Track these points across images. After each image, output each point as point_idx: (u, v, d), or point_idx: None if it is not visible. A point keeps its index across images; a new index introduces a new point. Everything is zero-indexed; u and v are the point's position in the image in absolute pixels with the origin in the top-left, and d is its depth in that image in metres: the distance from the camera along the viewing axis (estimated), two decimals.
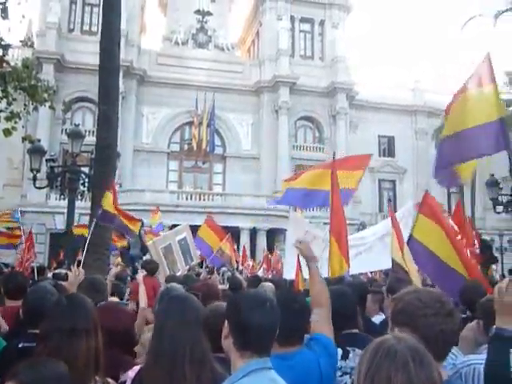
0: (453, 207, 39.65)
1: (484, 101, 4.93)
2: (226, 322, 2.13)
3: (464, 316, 4.29)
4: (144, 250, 13.20)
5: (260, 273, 13.58)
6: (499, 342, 2.16)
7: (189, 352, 2.24)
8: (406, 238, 5.51)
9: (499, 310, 2.20)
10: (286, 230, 14.88)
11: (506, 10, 17.46)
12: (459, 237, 8.19)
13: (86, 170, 12.64)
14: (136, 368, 2.54)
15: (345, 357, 3.32)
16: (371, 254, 8.11)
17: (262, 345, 2.09)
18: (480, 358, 2.75)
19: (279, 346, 2.77)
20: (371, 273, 10.07)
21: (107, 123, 9.07)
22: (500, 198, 17.78)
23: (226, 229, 27.80)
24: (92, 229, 7.44)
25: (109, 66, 9.25)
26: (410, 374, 1.32)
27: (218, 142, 35.47)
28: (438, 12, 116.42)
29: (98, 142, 9.25)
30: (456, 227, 8.72)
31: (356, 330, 3.47)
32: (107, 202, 6.86)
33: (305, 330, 2.92)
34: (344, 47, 38.09)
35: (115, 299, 4.38)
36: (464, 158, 4.88)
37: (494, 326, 2.24)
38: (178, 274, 9.73)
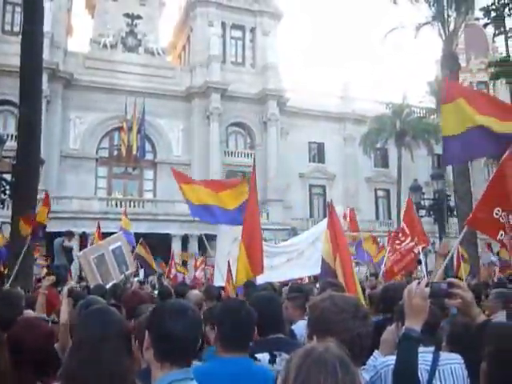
0: (380, 210, 41.27)
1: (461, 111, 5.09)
2: (147, 332, 2.06)
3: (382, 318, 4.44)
4: (70, 259, 12.74)
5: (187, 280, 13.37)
6: (407, 342, 2.22)
7: (108, 371, 2.07)
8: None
9: (408, 311, 2.27)
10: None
11: (426, 24, 18.33)
12: (409, 239, 8.47)
13: (8, 176, 12.03)
14: None
15: (272, 361, 3.32)
16: (302, 259, 8.19)
17: (183, 355, 2.04)
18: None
19: (224, 351, 2.80)
20: (300, 279, 10.14)
21: (29, 128, 8.66)
22: (423, 202, 18.52)
23: (157, 236, 27.70)
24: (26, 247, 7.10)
25: (30, 68, 8.84)
26: (338, 381, 1.34)
27: (148, 148, 34.89)
28: (366, 19, 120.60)
29: (20, 148, 8.82)
30: (406, 228, 8.98)
31: (282, 335, 3.48)
32: (43, 217, 6.45)
33: (251, 337, 2.93)
34: (275, 54, 38.62)
35: (31, 312, 4.13)
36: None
37: (404, 327, 2.30)
38: (109, 285, 9.42)
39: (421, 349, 2.78)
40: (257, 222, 6.46)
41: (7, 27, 32.58)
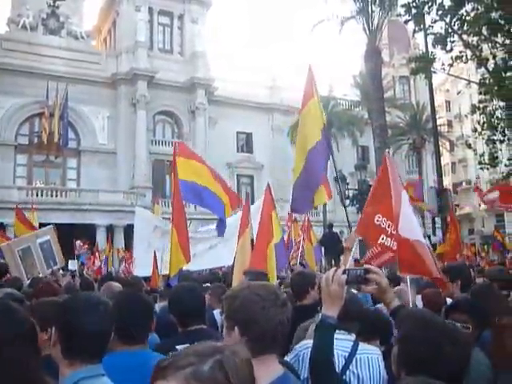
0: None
1: (311, 118, 5.25)
2: (54, 328, 1.95)
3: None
4: None
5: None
6: (324, 328, 2.24)
7: (12, 376, 1.84)
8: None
9: (325, 298, 2.28)
10: None
11: (351, 18, 18.76)
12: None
13: None
14: None
15: None
16: (227, 246, 8.16)
17: (93, 351, 1.95)
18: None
19: (122, 344, 2.71)
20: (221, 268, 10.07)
21: None
22: (347, 192, 19.09)
23: (82, 227, 26.85)
24: None
25: None
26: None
27: (71, 135, 33.58)
28: (296, 11, 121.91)
29: None
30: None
31: (204, 326, 3.45)
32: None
33: (149, 329, 2.84)
34: (203, 43, 38.24)
35: None
36: (314, 188, 5.09)
37: (320, 314, 2.32)
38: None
39: (341, 336, 2.86)
40: (182, 209, 6.41)
41: None
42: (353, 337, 2.92)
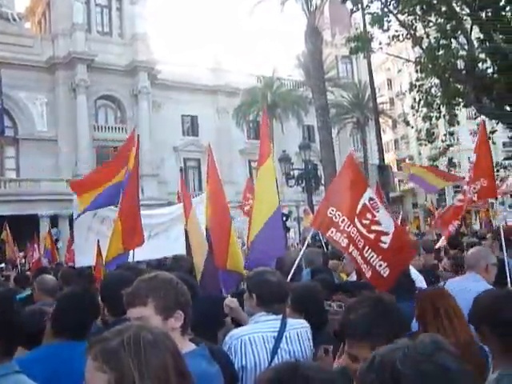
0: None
1: (267, 178, 5.07)
2: None
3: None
4: None
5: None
6: None
7: None
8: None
9: None
10: None
11: None
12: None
13: None
14: None
15: None
16: (167, 238, 8.03)
17: (5, 347, 1.89)
18: (244, 330, 2.95)
19: (58, 337, 2.75)
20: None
21: None
22: (292, 172, 19.26)
23: (24, 218, 25.98)
24: None
25: None
26: (173, 354, 1.34)
27: (8, 123, 32.19)
28: None
29: None
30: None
31: None
32: None
33: (90, 322, 2.89)
34: (144, 24, 37.37)
35: None
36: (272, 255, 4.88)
37: None
38: None
39: (270, 317, 2.91)
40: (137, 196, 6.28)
41: None
42: (280, 317, 2.96)
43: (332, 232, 3.90)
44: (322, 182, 19.49)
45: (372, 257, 3.87)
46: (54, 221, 28.42)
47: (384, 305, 2.03)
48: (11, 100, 32.01)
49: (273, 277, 3.06)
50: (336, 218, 3.89)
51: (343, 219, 3.89)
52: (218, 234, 4.93)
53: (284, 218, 16.48)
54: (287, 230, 16.20)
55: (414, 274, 4.78)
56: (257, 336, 2.86)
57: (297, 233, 29.35)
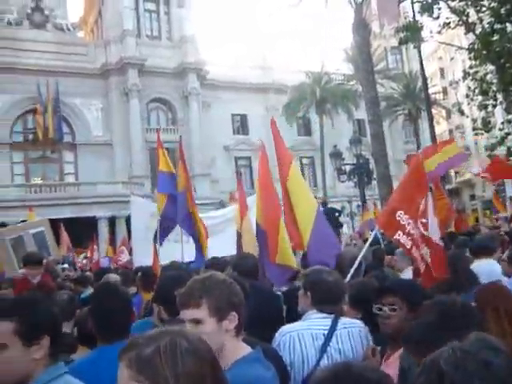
0: (306, 178, 42.10)
1: (299, 185, 5.04)
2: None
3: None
4: None
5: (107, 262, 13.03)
6: None
7: None
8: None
9: None
10: None
11: None
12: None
13: None
14: None
15: None
16: (223, 237, 8.13)
17: (53, 349, 1.93)
18: (293, 327, 2.94)
19: (104, 340, 2.71)
20: None
21: None
22: (343, 167, 19.07)
23: (83, 220, 26.87)
24: None
25: None
26: (211, 363, 1.29)
27: (66, 129, 33.48)
28: None
29: None
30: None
31: None
32: None
33: (127, 323, 2.86)
34: (191, 26, 37.90)
35: None
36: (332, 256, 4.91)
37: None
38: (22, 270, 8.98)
39: (322, 315, 2.90)
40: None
41: None
42: (332, 316, 2.93)
43: (399, 235, 3.90)
44: (374, 176, 19.18)
45: (426, 254, 3.86)
46: (112, 222, 29.27)
47: (450, 312, 1.97)
48: (68, 107, 33.23)
49: (329, 276, 3.04)
50: (403, 221, 3.90)
51: (409, 222, 3.89)
52: (269, 230, 4.97)
53: (337, 214, 16.34)
54: (340, 225, 15.99)
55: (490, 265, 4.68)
56: (306, 333, 2.85)
57: (350, 228, 29.04)
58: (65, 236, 14.71)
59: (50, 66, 32.17)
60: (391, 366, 2.39)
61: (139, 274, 5.86)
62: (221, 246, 7.89)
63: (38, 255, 6.91)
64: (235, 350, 2.01)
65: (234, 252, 7.07)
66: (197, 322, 1.96)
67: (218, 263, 7.45)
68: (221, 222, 8.74)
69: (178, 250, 6.83)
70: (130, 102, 34.31)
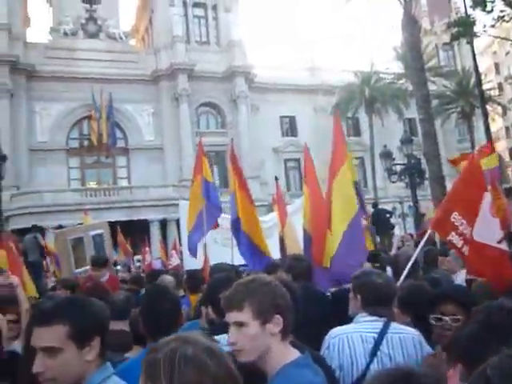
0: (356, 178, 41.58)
1: (345, 182, 4.98)
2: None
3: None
4: (43, 254, 12.60)
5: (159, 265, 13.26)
6: None
7: None
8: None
9: None
10: None
11: None
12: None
13: None
14: None
15: None
16: (271, 241, 8.17)
17: (103, 349, 1.96)
18: (342, 329, 2.92)
19: (150, 340, 2.76)
20: None
21: None
22: (394, 167, 18.72)
23: (136, 223, 27.54)
24: None
25: None
26: (213, 374, 1.30)
27: (119, 134, 34.47)
28: None
29: None
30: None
31: None
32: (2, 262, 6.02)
33: (176, 325, 2.91)
34: (238, 31, 38.20)
35: None
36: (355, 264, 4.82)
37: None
38: (80, 270, 9.24)
39: (372, 318, 2.86)
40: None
41: None
42: (383, 319, 2.88)
43: (452, 236, 3.84)
44: (427, 176, 18.72)
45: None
46: (163, 225, 29.84)
47: (496, 318, 1.91)
48: (120, 113, 34.19)
49: (379, 278, 2.99)
50: (457, 222, 3.84)
51: (462, 222, 3.83)
52: (316, 232, 4.96)
53: (388, 215, 16.07)
54: (392, 227, 15.73)
55: None
56: (355, 335, 2.82)
57: (402, 230, 28.48)
58: (122, 239, 15.13)
59: (104, 74, 33.21)
60: (452, 380, 2.24)
61: (185, 276, 5.97)
62: (271, 249, 7.93)
63: (104, 257, 7.23)
64: (282, 354, 2.00)
65: (277, 256, 7.07)
66: (240, 324, 1.96)
67: (270, 265, 7.50)
68: (269, 226, 8.77)
69: (228, 253, 6.86)
70: (180, 107, 34.94)
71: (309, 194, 5.56)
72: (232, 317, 1.99)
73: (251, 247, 6.43)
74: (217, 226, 7.54)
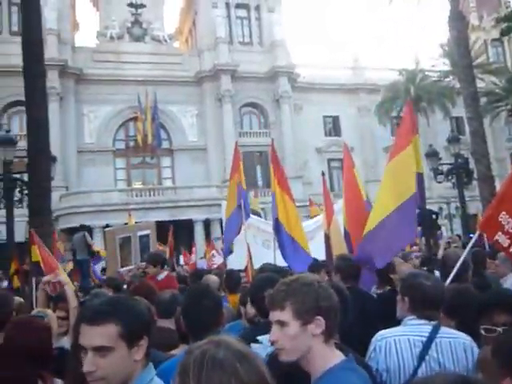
0: None
1: (404, 166, 4.89)
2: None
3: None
4: (91, 253, 12.92)
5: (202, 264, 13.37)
6: None
7: None
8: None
9: None
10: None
11: None
12: None
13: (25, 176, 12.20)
14: None
15: None
16: (313, 244, 8.11)
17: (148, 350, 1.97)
18: (389, 332, 2.87)
19: (194, 340, 2.75)
20: None
21: (36, 126, 8.77)
22: (440, 167, 18.29)
23: (180, 223, 27.91)
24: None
25: (32, 67, 8.91)
26: (241, 379, 1.30)
27: (163, 135, 35.04)
28: None
29: (30, 147, 8.95)
30: None
31: None
32: (35, 255, 6.20)
33: (217, 325, 2.92)
34: (282, 31, 38.16)
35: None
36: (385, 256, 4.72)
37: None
38: (124, 269, 9.45)
39: (420, 321, 2.81)
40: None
41: (14, 28, 32.71)
42: (432, 323, 2.82)
43: (499, 235, 3.74)
44: (475, 176, 18.22)
45: None
46: (207, 225, 30.12)
47: None
48: (165, 114, 34.75)
49: (427, 280, 2.92)
50: (504, 221, 3.74)
51: (509, 221, 3.72)
52: (355, 233, 4.91)
53: (434, 216, 15.70)
54: (438, 227, 15.37)
55: None
56: (403, 339, 2.77)
57: (449, 230, 27.81)
58: (171, 239, 15.36)
59: (149, 76, 33.83)
60: None
61: (224, 276, 6.02)
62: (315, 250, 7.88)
63: (161, 255, 7.36)
64: (326, 356, 1.98)
65: (322, 257, 7.01)
66: (281, 323, 1.97)
67: (315, 265, 7.48)
68: (312, 229, 8.73)
69: (269, 255, 6.87)
70: (223, 108, 35.21)
71: (346, 193, 5.54)
72: (274, 316, 2.00)
73: (294, 246, 6.42)
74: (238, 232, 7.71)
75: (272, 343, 2.01)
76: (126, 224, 15.62)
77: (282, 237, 6.56)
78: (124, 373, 1.82)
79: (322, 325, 1.97)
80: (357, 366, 2.04)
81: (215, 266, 12.52)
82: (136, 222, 16.47)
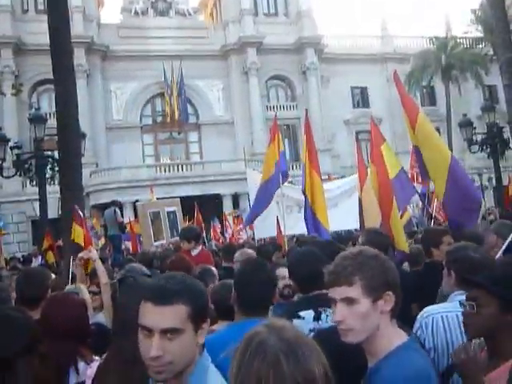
0: None
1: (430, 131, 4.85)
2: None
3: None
4: (122, 229, 13.06)
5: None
6: None
7: None
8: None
9: None
10: None
11: None
12: None
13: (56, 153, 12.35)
14: (94, 365, 2.44)
15: (317, 318, 3.26)
16: (338, 211, 7.99)
17: None
18: (436, 308, 2.75)
19: (244, 315, 2.72)
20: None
21: (65, 104, 8.77)
22: (474, 137, 17.83)
23: (208, 197, 28.03)
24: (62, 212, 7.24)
25: (59, 45, 8.87)
26: (282, 373, 1.19)
27: (190, 110, 34.98)
28: None
29: (59, 124, 8.97)
30: None
31: (325, 291, 3.39)
32: (77, 235, 6.20)
33: (270, 300, 2.86)
34: (308, 1, 37.35)
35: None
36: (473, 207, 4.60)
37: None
38: (158, 243, 9.56)
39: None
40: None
41: (40, 6, 32.71)
42: None
43: None
44: (510, 145, 17.70)
45: None
46: (235, 199, 30.16)
47: None
48: (191, 89, 34.60)
49: (475, 253, 2.78)
50: None
51: None
52: (382, 208, 4.85)
53: None
54: None
55: None
56: (450, 315, 2.66)
57: (482, 202, 27.23)
58: (199, 217, 15.42)
59: (174, 51, 33.56)
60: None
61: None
62: (336, 220, 7.81)
63: (195, 230, 7.30)
64: (391, 335, 1.84)
65: (353, 226, 6.92)
66: (350, 301, 1.80)
67: (341, 237, 7.44)
68: (333, 196, 8.65)
69: (301, 220, 6.96)
70: (249, 81, 34.87)
71: (373, 167, 5.46)
72: (339, 292, 1.82)
73: (314, 221, 6.56)
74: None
75: (337, 323, 1.84)
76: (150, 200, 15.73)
77: (306, 209, 6.63)
78: (189, 357, 1.69)
79: (391, 300, 1.83)
80: (419, 346, 1.94)
81: (241, 241, 12.54)
82: (161, 198, 16.56)
